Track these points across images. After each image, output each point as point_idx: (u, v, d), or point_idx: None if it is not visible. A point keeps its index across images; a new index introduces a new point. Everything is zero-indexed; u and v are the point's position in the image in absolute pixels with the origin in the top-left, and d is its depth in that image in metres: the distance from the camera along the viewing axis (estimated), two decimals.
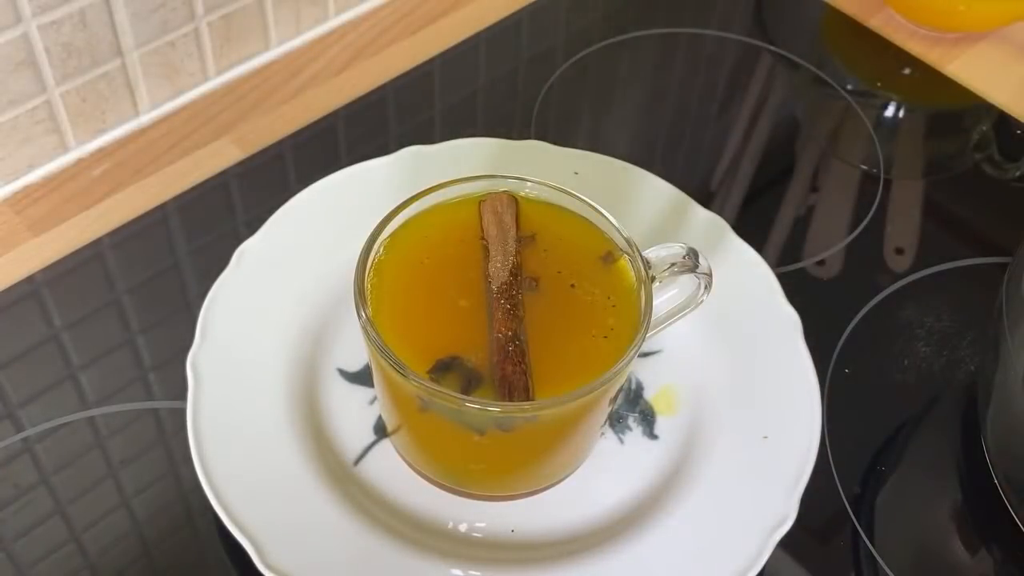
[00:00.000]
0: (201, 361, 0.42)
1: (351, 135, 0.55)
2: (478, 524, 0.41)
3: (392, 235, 0.39)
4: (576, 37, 0.61)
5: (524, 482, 0.41)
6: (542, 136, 0.53)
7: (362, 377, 0.44)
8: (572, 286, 0.38)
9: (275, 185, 0.52)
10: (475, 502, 0.41)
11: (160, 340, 0.46)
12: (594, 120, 0.58)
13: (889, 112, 0.60)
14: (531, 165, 0.47)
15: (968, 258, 0.52)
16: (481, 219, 0.40)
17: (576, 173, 0.49)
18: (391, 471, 0.42)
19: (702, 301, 0.41)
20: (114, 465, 0.43)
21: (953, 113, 0.61)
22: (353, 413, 0.43)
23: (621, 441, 0.43)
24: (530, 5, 0.62)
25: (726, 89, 0.61)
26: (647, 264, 0.38)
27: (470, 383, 0.35)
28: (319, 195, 0.48)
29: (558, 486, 0.42)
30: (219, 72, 0.56)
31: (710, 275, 0.39)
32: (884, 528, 0.43)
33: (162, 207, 0.51)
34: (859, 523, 0.43)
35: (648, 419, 0.44)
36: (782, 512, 0.40)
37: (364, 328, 0.36)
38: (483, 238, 0.39)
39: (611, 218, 0.39)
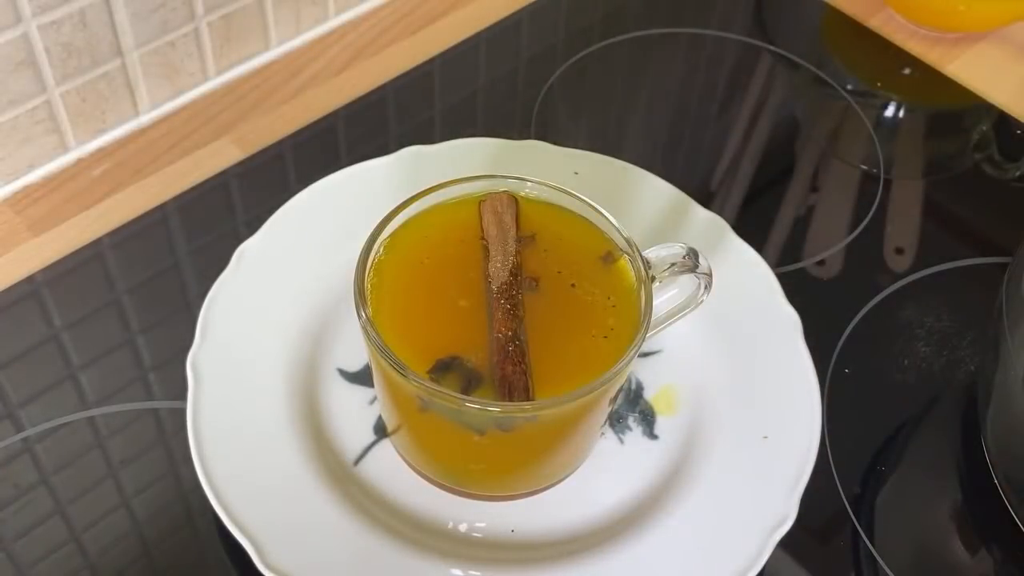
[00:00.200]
0: (201, 361, 0.42)
1: (351, 135, 0.55)
2: (478, 524, 0.41)
3: (392, 235, 0.39)
4: (576, 37, 0.61)
5: (524, 482, 0.41)
6: (542, 136, 0.53)
7: (362, 377, 0.44)
8: (572, 286, 0.38)
9: (275, 185, 0.52)
10: (475, 502, 0.41)
11: (160, 340, 0.46)
12: (594, 120, 0.58)
13: (889, 112, 0.61)
14: (531, 165, 0.47)
15: (968, 258, 0.52)
16: (481, 219, 0.40)
17: (576, 173, 0.49)
18: (391, 471, 0.42)
19: (702, 301, 0.41)
20: (114, 465, 0.43)
21: (953, 113, 0.61)
22: (353, 413, 0.43)
23: (621, 441, 0.43)
24: (530, 5, 0.62)
25: (726, 89, 0.61)
26: (647, 264, 0.38)
27: (470, 383, 0.35)
28: (319, 195, 0.48)
29: (558, 486, 0.42)
30: (219, 72, 0.56)
31: (710, 275, 0.39)
32: (884, 528, 0.43)
33: (162, 207, 0.51)
34: (859, 523, 0.43)
35: (648, 419, 0.44)
36: (782, 512, 0.40)
37: (364, 328, 0.36)
38: (483, 238, 0.39)
39: (611, 218, 0.39)
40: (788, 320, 0.45)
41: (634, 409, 0.44)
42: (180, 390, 0.42)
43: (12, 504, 0.41)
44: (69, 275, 0.48)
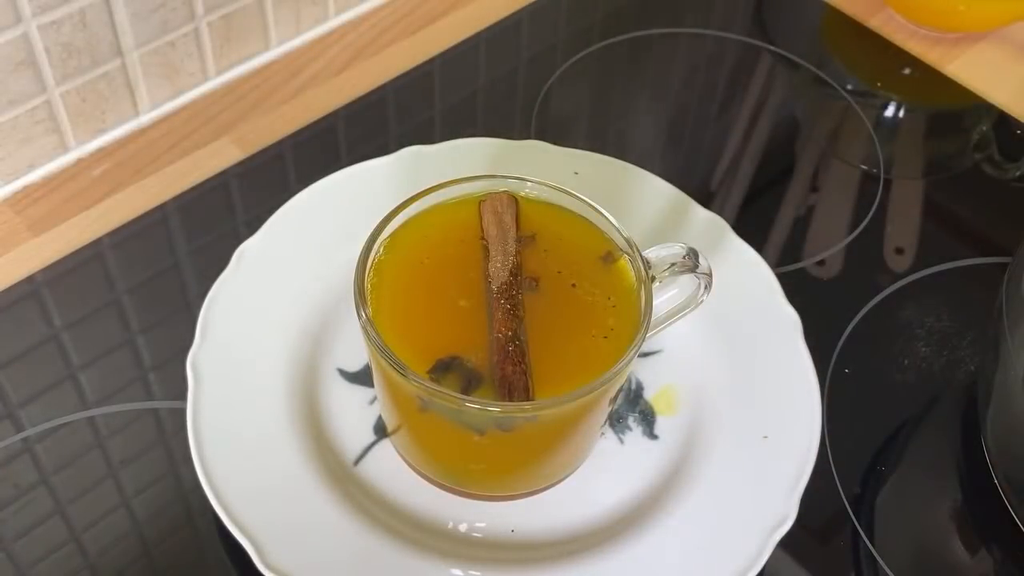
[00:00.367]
0: (201, 361, 0.42)
1: (351, 135, 0.55)
2: (478, 524, 0.41)
3: (392, 235, 0.39)
4: (576, 37, 0.61)
5: (524, 482, 0.41)
6: (542, 136, 0.53)
7: (362, 377, 0.44)
8: (572, 286, 0.38)
9: (275, 185, 0.52)
10: (475, 502, 0.41)
11: (160, 340, 0.46)
12: (594, 120, 0.58)
13: (889, 112, 0.61)
14: (531, 165, 0.47)
15: (968, 258, 0.52)
16: (481, 219, 0.40)
17: (576, 173, 0.49)
18: (391, 471, 0.42)
19: (702, 301, 0.41)
20: (114, 465, 0.43)
21: (953, 113, 0.61)
22: (353, 413, 0.43)
23: (621, 441, 0.43)
24: (530, 5, 0.62)
25: (726, 89, 0.61)
26: (647, 264, 0.38)
27: (470, 383, 0.35)
28: (319, 195, 0.48)
29: (558, 486, 0.42)
30: (219, 72, 0.56)
31: (710, 275, 0.39)
32: (884, 528, 0.43)
33: (162, 207, 0.51)
34: (859, 523, 0.43)
35: (648, 419, 0.44)
36: (782, 512, 0.40)
37: (364, 328, 0.36)
38: (483, 238, 0.39)
39: (611, 218, 0.39)
40: (788, 320, 0.45)
41: (634, 409, 0.44)
42: (180, 390, 0.42)
43: (12, 504, 0.41)
44: (69, 275, 0.48)
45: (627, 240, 0.39)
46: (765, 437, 0.42)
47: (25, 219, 0.50)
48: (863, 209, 0.54)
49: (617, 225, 0.39)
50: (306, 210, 0.47)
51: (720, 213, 0.48)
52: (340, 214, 0.47)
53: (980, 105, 0.60)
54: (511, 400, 0.35)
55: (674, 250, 0.39)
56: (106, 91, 0.51)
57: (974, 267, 0.52)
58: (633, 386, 0.45)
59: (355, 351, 0.44)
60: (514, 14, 0.62)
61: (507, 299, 0.37)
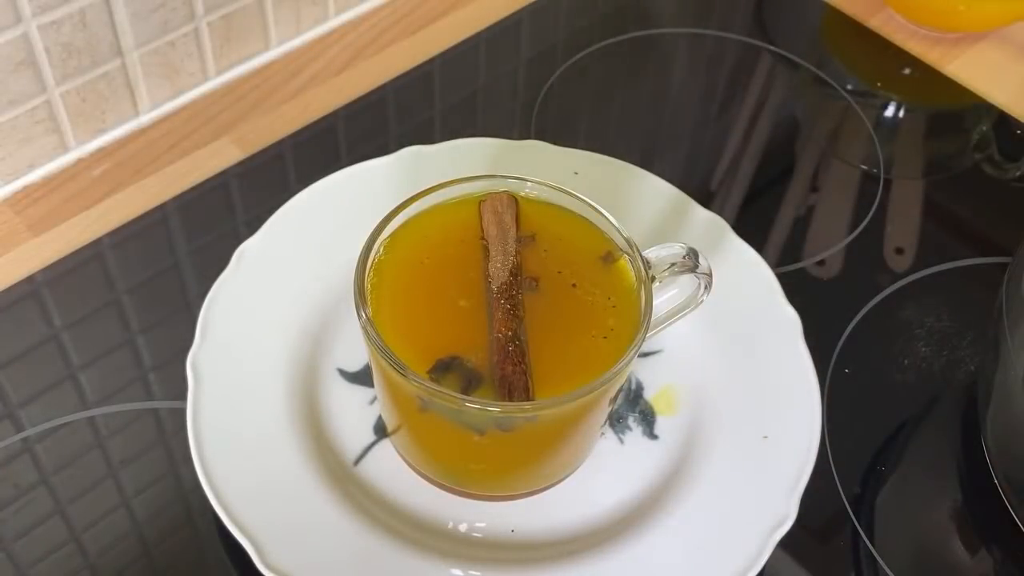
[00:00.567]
0: (201, 361, 0.42)
1: (351, 135, 0.55)
2: (478, 524, 0.41)
3: (392, 235, 0.39)
4: (576, 37, 0.62)
5: (524, 482, 0.41)
6: (542, 136, 0.53)
7: (362, 377, 0.44)
8: (572, 286, 0.38)
9: (275, 185, 0.52)
10: (475, 502, 0.41)
11: (160, 340, 0.46)
12: (594, 120, 0.58)
13: (889, 112, 0.61)
14: (531, 165, 0.47)
15: (968, 258, 0.52)
16: (481, 219, 0.40)
17: (576, 173, 0.49)
18: (391, 471, 0.42)
19: (702, 301, 0.41)
20: (114, 465, 0.43)
21: (953, 113, 0.61)
22: (353, 413, 0.43)
23: (621, 441, 0.43)
24: (530, 5, 0.62)
25: (726, 89, 0.61)
26: (647, 264, 0.38)
27: (470, 383, 0.35)
28: (319, 195, 0.48)
29: (558, 486, 0.42)
30: (219, 72, 0.56)
31: (710, 275, 0.39)
32: (884, 528, 0.43)
33: (162, 207, 0.51)
34: (859, 523, 0.43)
35: (648, 419, 0.44)
36: (782, 512, 0.40)
37: (364, 328, 0.36)
38: (483, 238, 0.39)
39: (611, 218, 0.39)
40: (788, 320, 0.45)
41: (634, 409, 0.44)
42: (180, 390, 0.42)
43: (12, 504, 0.41)
44: (69, 275, 0.48)
45: (627, 240, 0.39)
46: (765, 437, 0.42)
47: (25, 219, 0.50)
48: (863, 209, 0.54)
49: (617, 225, 0.39)
50: (306, 210, 0.47)
51: (720, 213, 0.48)
52: (340, 214, 0.47)
53: (980, 105, 0.60)
54: (511, 400, 0.35)
55: (674, 250, 0.39)
56: (106, 91, 0.51)
57: (974, 267, 0.52)
58: (633, 386, 0.45)
59: (355, 351, 0.44)
60: (514, 14, 0.62)
61: (507, 299, 0.37)
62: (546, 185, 0.40)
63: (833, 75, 0.61)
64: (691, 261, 0.39)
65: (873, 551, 0.42)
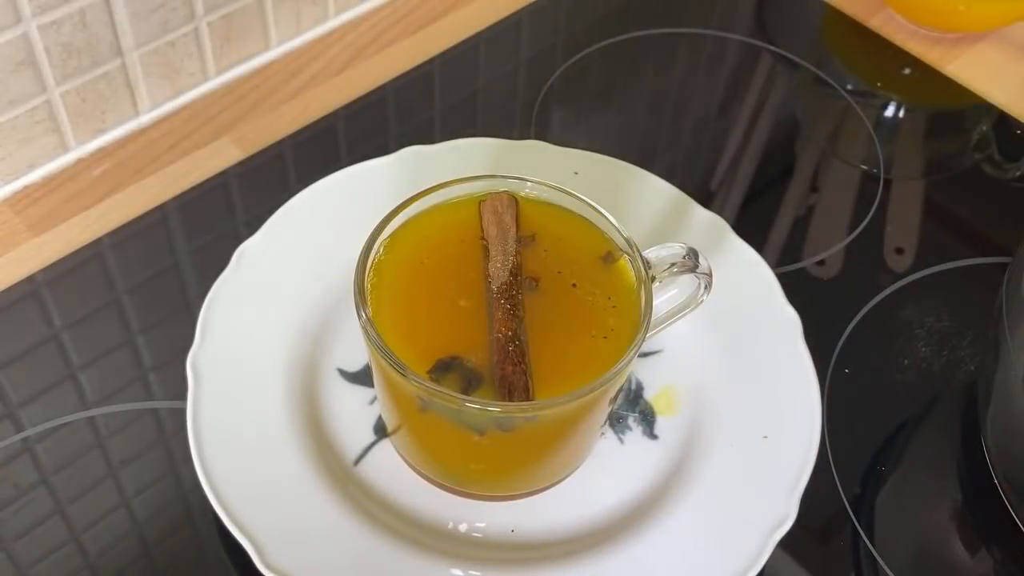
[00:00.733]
0: (201, 361, 0.42)
1: (351, 135, 0.55)
2: (478, 524, 0.41)
3: (392, 235, 0.39)
4: (576, 37, 0.62)
5: (524, 482, 0.41)
6: (542, 136, 0.53)
7: (362, 377, 0.44)
8: (572, 286, 0.38)
9: (275, 185, 0.52)
10: (475, 502, 0.41)
11: (160, 340, 0.46)
12: (594, 120, 0.58)
13: (889, 112, 0.61)
14: (531, 165, 0.47)
15: (968, 258, 0.52)
16: (481, 219, 0.40)
17: (576, 173, 0.49)
18: (391, 471, 0.42)
19: (702, 301, 0.41)
20: (114, 465, 0.43)
21: (953, 113, 0.61)
22: (353, 413, 0.43)
23: (621, 441, 0.43)
24: (530, 5, 0.62)
25: (726, 89, 0.61)
26: (647, 264, 0.38)
27: (470, 383, 0.35)
28: (319, 195, 0.48)
29: (558, 486, 0.42)
30: (219, 72, 0.56)
31: (710, 275, 0.39)
32: (884, 528, 0.43)
33: (162, 207, 0.51)
34: (859, 523, 0.43)
35: (648, 419, 0.44)
36: (782, 512, 0.40)
37: (364, 328, 0.36)
38: (483, 238, 0.39)
39: (611, 218, 0.39)
40: (788, 320, 0.45)
41: (634, 409, 0.44)
42: (180, 390, 0.42)
43: (12, 504, 0.41)
44: (69, 275, 0.48)
45: (627, 240, 0.39)
46: (765, 437, 0.42)
47: (25, 219, 0.50)
48: (863, 209, 0.54)
49: (617, 225, 0.39)
50: (306, 210, 0.47)
51: (720, 213, 0.48)
52: (340, 214, 0.47)
53: (980, 105, 0.60)
54: (511, 400, 0.35)
55: (674, 250, 0.39)
56: (106, 91, 0.51)
57: (974, 267, 0.52)
58: (633, 386, 0.45)
59: (355, 351, 0.44)
60: (514, 14, 0.62)
61: (507, 299, 0.37)
62: (546, 185, 0.40)
63: (833, 75, 0.61)
64: (691, 261, 0.39)
65: (873, 551, 0.42)
